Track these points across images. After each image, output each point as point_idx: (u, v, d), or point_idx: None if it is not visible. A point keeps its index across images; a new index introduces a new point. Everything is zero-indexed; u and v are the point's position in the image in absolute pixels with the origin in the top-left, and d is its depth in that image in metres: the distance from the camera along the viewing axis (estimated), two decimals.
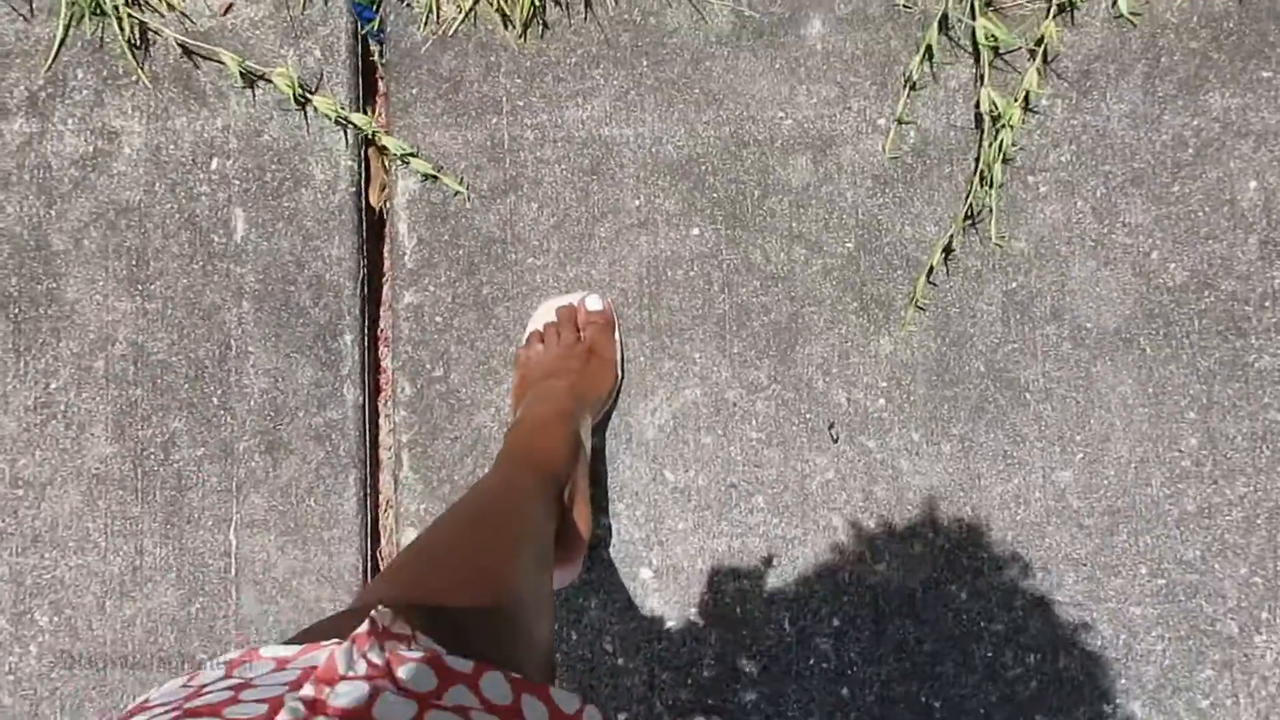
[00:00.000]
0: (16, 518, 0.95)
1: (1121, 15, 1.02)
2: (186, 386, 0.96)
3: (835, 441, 0.99)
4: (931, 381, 1.00)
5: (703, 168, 1.01)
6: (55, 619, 0.94)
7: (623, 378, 0.98)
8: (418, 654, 0.41)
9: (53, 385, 0.96)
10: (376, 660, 0.39)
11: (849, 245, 1.01)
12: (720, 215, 1.01)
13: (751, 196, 1.01)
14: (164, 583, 0.95)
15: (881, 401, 1.00)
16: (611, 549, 0.98)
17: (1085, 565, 0.99)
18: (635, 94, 1.01)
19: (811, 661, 0.97)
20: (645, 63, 1.01)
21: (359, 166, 1.00)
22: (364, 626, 0.40)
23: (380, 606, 0.42)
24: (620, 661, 0.97)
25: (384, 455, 1.02)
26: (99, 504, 0.95)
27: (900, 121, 1.01)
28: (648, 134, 1.01)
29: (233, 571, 0.95)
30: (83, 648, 0.94)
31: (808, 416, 1.00)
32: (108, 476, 0.95)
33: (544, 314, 0.98)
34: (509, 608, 0.55)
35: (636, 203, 1.01)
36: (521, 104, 1.01)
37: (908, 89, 1.02)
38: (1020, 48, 1.01)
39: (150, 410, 0.96)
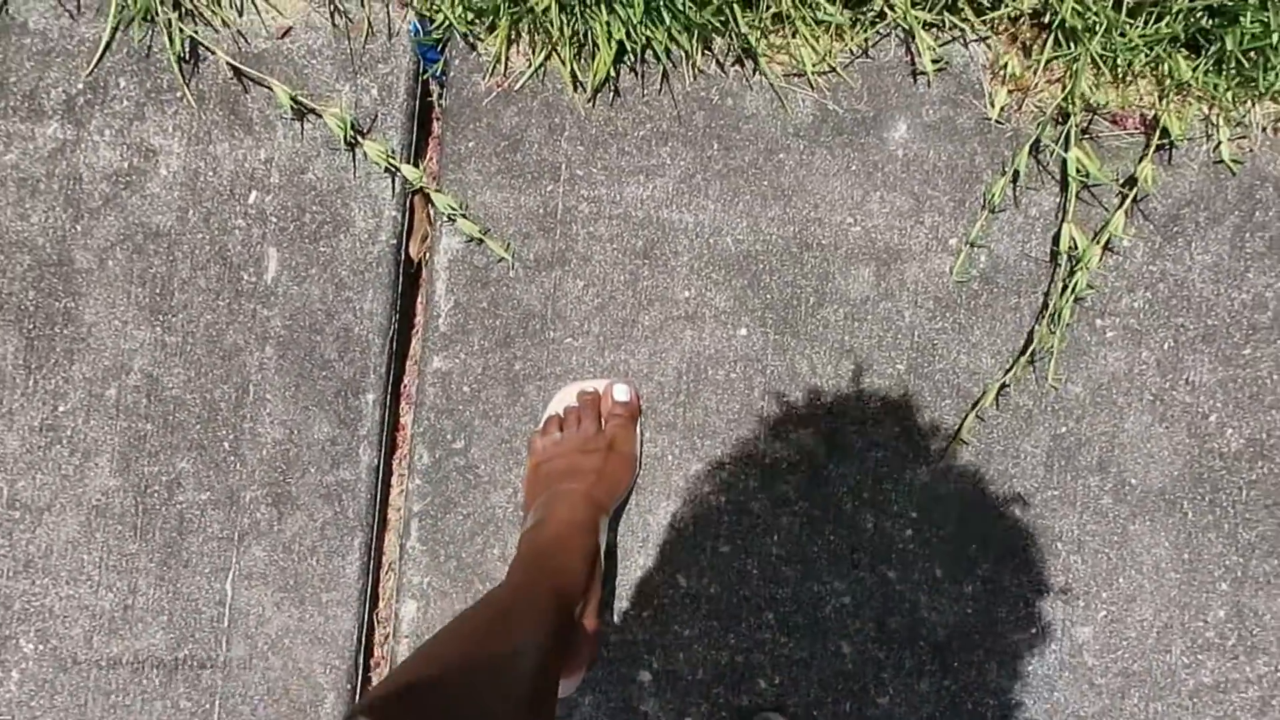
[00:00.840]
0: (10, 540, 0.93)
1: (1222, 161, 0.99)
2: (198, 427, 0.95)
3: (855, 567, 0.98)
4: (963, 518, 0.99)
5: (760, 266, 0.98)
6: (40, 647, 0.94)
7: (640, 469, 0.97)
8: None
9: (61, 408, 0.94)
10: None
11: (900, 367, 0.98)
12: (771, 318, 0.98)
13: (807, 303, 0.98)
14: (155, 624, 0.94)
15: (909, 532, 0.99)
16: (613, 647, 0.98)
17: None
18: (701, 178, 0.98)
19: None
20: (716, 146, 0.98)
21: (402, 217, 0.97)
22: None
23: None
24: None
25: (393, 517, 1.01)
26: (96, 536, 0.94)
27: (973, 244, 0.98)
28: (708, 222, 0.98)
29: (225, 622, 0.95)
30: (65, 679, 0.94)
31: (831, 539, 0.98)
32: (108, 509, 0.94)
33: (565, 398, 0.96)
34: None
35: (687, 294, 0.98)
36: (581, 173, 0.98)
37: (986, 211, 0.98)
38: (1112, 182, 0.98)
39: (159, 447, 0.94)
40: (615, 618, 0.98)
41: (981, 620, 0.99)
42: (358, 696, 0.97)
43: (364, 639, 0.97)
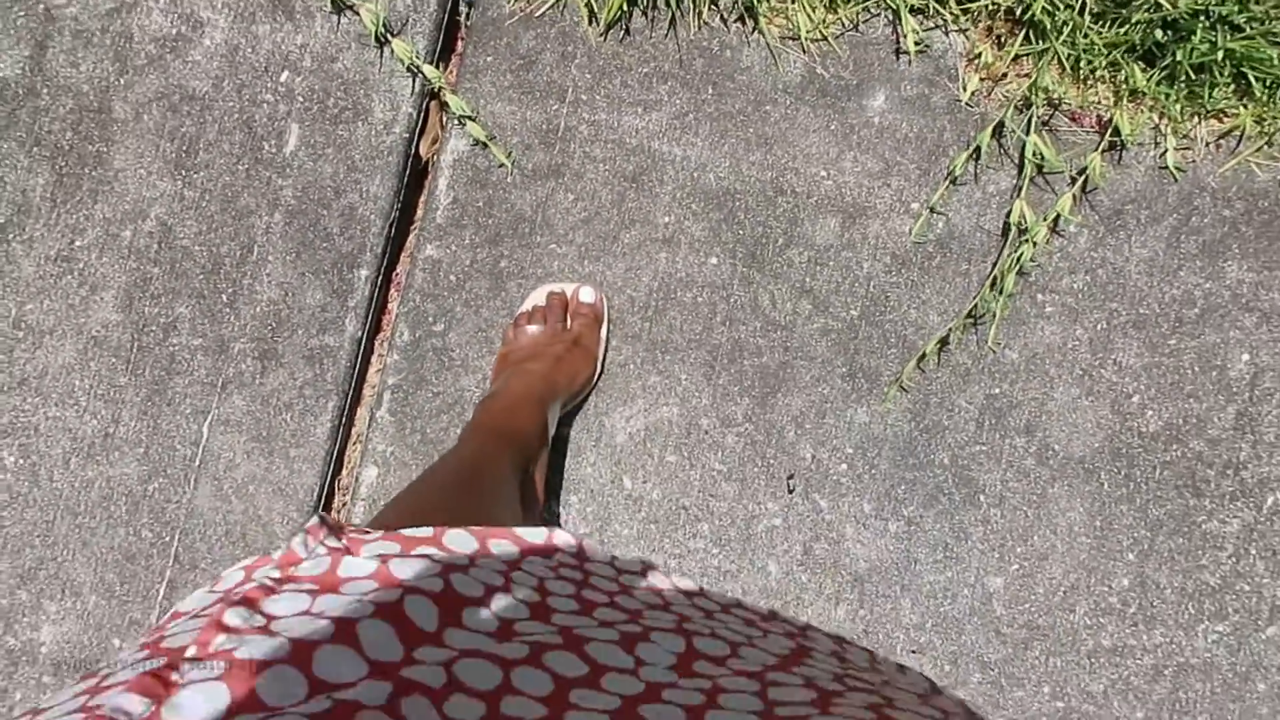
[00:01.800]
0: (10, 358, 1.02)
1: (1166, 167, 1.10)
2: (201, 277, 1.04)
3: (790, 492, 1.07)
4: (895, 460, 1.08)
5: (737, 203, 1.09)
6: (20, 462, 1.02)
7: (601, 373, 1.06)
8: (378, 534, 0.45)
9: (77, 242, 1.03)
10: (335, 545, 0.43)
11: (853, 312, 1.09)
12: (741, 252, 1.08)
13: (775, 243, 1.09)
14: (130, 456, 1.02)
15: (844, 467, 1.08)
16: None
17: (993, 670, 1.06)
18: (693, 118, 1.09)
19: None
20: (710, 91, 1.09)
21: (417, 115, 1.07)
22: (313, 520, 0.44)
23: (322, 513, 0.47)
24: None
25: (367, 392, 1.10)
26: (90, 365, 1.03)
27: (933, 210, 1.09)
28: (694, 158, 1.09)
29: (197, 462, 1.03)
30: (39, 494, 1.02)
31: (771, 462, 1.07)
32: (105, 341, 1.03)
33: (536, 297, 1.05)
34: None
35: (666, 219, 1.08)
36: (585, 98, 1.09)
37: (948, 181, 1.10)
38: (1062, 172, 1.09)
39: (162, 291, 1.03)
40: (560, 508, 1.06)
41: (901, 558, 1.07)
42: None
43: (323, 498, 1.05)
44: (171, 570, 1.02)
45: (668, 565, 1.06)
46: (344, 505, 1.09)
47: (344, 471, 1.08)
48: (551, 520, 1.06)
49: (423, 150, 1.11)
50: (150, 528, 1.02)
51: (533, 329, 1.02)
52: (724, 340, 1.08)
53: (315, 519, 0.45)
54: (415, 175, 1.11)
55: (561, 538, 0.49)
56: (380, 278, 1.07)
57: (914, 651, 1.07)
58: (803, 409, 1.08)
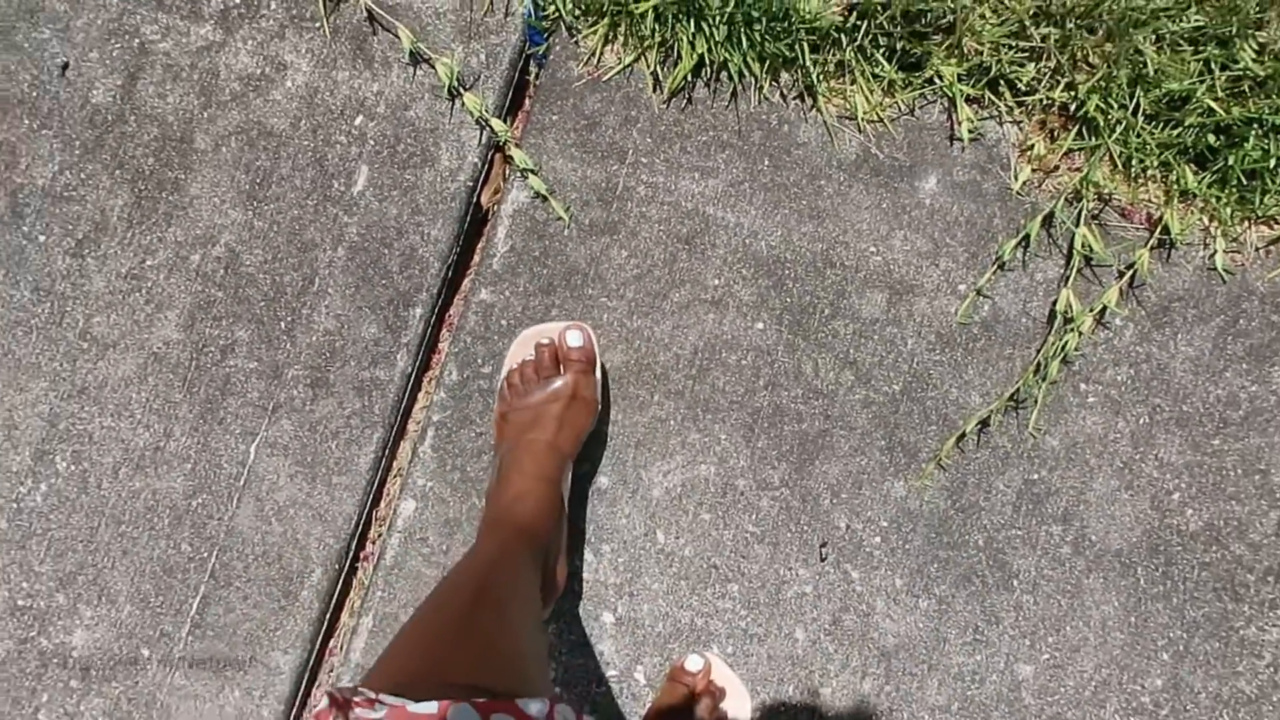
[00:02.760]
0: (73, 367, 1.08)
1: (1215, 268, 1.14)
2: (262, 304, 1.10)
3: (823, 560, 1.09)
4: (930, 537, 1.10)
5: (786, 272, 1.13)
6: (72, 468, 1.07)
7: (604, 406, 1.07)
8: (380, 713, 0.45)
9: (148, 262, 1.10)
10: None
11: (895, 387, 1.12)
12: (788, 320, 1.13)
13: (821, 312, 1.13)
14: (178, 470, 1.07)
15: (878, 539, 1.10)
16: (586, 584, 1.09)
17: None
18: (749, 187, 1.14)
19: (604, 688, 1.06)
20: (767, 163, 1.15)
21: (482, 165, 1.14)
22: (323, 703, 0.45)
23: (333, 684, 0.48)
24: (557, 690, 1.07)
25: (411, 427, 1.14)
26: (148, 380, 1.08)
27: (979, 293, 1.13)
28: (747, 225, 1.14)
29: (242, 481, 1.07)
30: (86, 500, 1.06)
31: (805, 529, 1.10)
32: (165, 358, 1.08)
33: (523, 348, 1.05)
34: (517, 690, 0.59)
35: (716, 282, 1.13)
36: (645, 161, 1.15)
37: (996, 266, 1.14)
38: (1110, 265, 1.13)
39: (224, 314, 1.09)
40: (592, 556, 1.09)
41: (931, 636, 1.09)
42: (342, 580, 1.09)
43: (360, 528, 1.09)
44: (206, 586, 1.05)
45: (694, 623, 1.08)
46: (379, 536, 1.13)
47: (382, 503, 1.12)
48: (578, 566, 1.09)
49: (484, 199, 1.17)
50: (190, 542, 1.06)
51: (524, 386, 1.02)
52: (765, 404, 1.11)
53: (324, 701, 0.47)
54: (475, 222, 1.17)
55: (563, 712, 0.50)
56: (434, 317, 1.13)
57: None
58: (840, 478, 1.10)
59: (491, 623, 0.69)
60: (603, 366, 1.07)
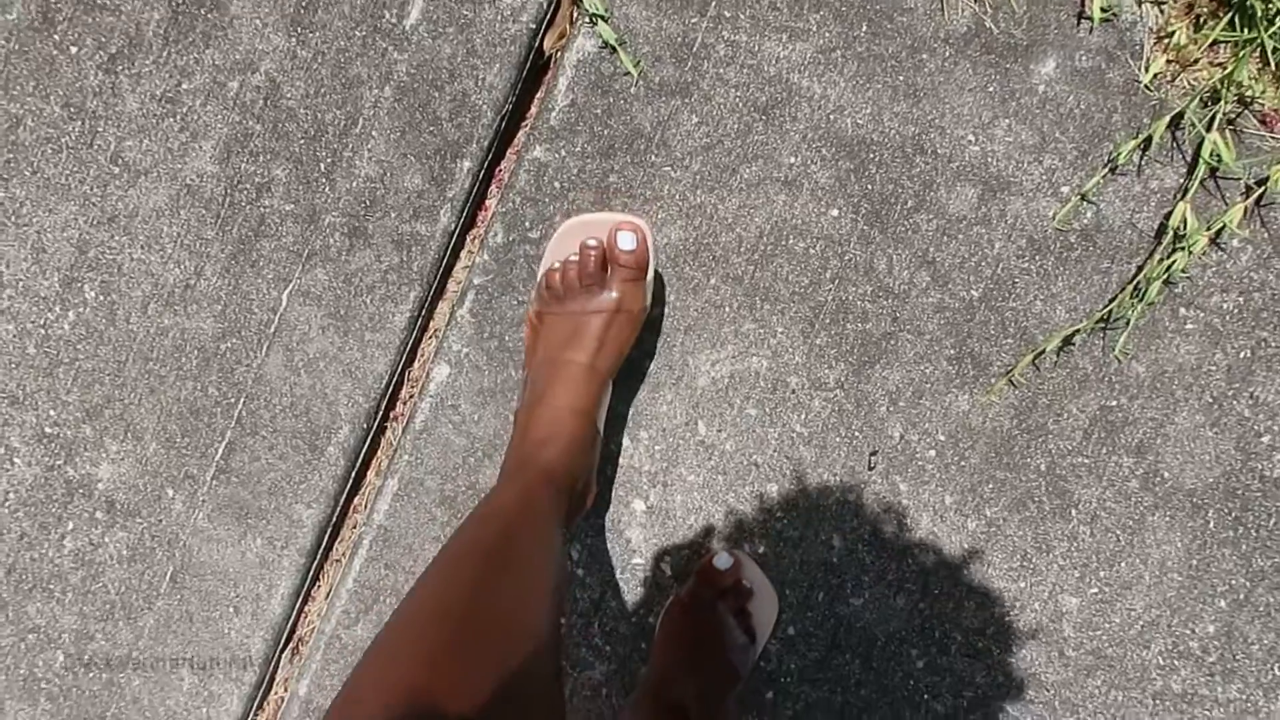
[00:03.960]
0: (104, 192, 1.04)
1: None
2: (302, 142, 1.04)
3: (871, 469, 1.05)
4: (988, 457, 1.05)
5: (870, 155, 1.04)
6: (100, 299, 1.05)
7: (658, 306, 0.99)
8: None
9: (184, 85, 1.04)
10: None
11: (974, 293, 1.04)
12: (865, 209, 1.04)
13: (904, 204, 1.04)
14: (208, 311, 1.05)
15: (932, 453, 1.05)
16: (620, 469, 1.06)
17: (1049, 690, 1.04)
18: (841, 55, 1.04)
19: (628, 575, 1.05)
20: (865, 29, 1.04)
21: (548, 7, 1.04)
22: None
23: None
24: (579, 573, 1.06)
25: (451, 287, 1.10)
26: (181, 213, 1.04)
27: (1083, 197, 1.04)
28: (834, 99, 1.04)
29: (272, 329, 1.05)
30: (114, 333, 1.05)
31: (856, 435, 1.05)
32: (199, 191, 1.04)
33: (565, 244, 0.94)
34: (534, 661, 0.56)
35: (792, 160, 1.05)
36: (728, 15, 1.05)
37: (1107, 169, 1.04)
38: (1239, 179, 1.02)
39: (261, 149, 1.04)
40: (629, 441, 1.06)
41: (974, 559, 1.05)
42: (370, 439, 1.07)
43: (391, 388, 1.06)
44: (232, 432, 1.05)
45: (727, 519, 1.05)
46: (410, 398, 1.10)
47: (416, 364, 1.09)
48: (614, 451, 1.06)
49: (547, 45, 1.08)
50: (217, 386, 1.04)
51: (565, 290, 0.92)
52: (829, 299, 1.05)
53: None
54: (535, 70, 1.09)
55: None
56: (483, 172, 1.06)
57: (968, 655, 1.05)
58: (900, 385, 1.05)
59: (512, 584, 0.63)
60: (657, 272, 0.99)
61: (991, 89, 1.04)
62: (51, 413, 1.05)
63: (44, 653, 1.05)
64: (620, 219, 0.91)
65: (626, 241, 0.90)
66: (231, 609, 1.06)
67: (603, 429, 0.94)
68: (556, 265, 0.95)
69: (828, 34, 1.05)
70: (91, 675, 1.06)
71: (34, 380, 1.05)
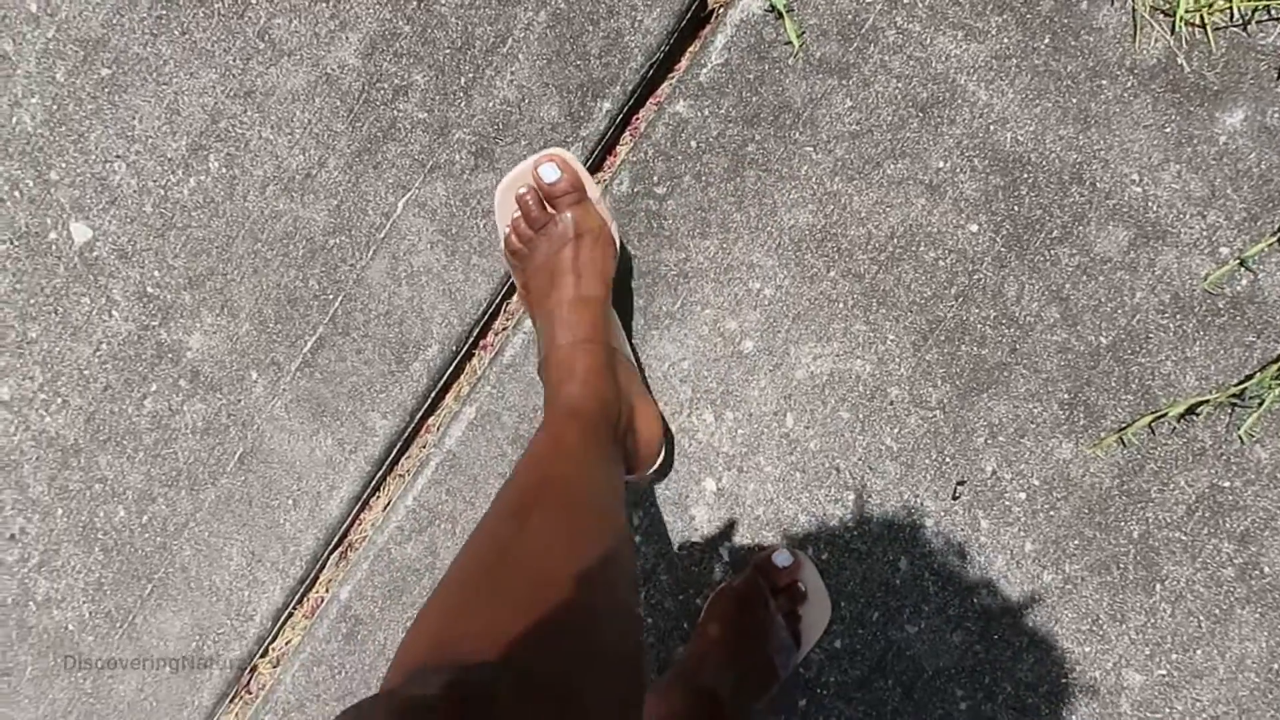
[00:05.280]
0: (245, 66, 1.05)
1: None
2: (448, 51, 1.04)
3: (954, 498, 1.03)
4: (1081, 512, 1.01)
5: (1024, 175, 1.01)
6: (223, 170, 1.06)
7: (617, 231, 0.97)
8: None
9: None
10: None
11: (1103, 339, 1.01)
12: (1007, 230, 1.01)
13: (1049, 233, 1.01)
14: (324, 203, 1.06)
15: (1022, 495, 1.02)
16: (699, 445, 1.05)
17: None
18: (1016, 64, 1.00)
19: (685, 553, 1.04)
20: (1047, 41, 1.00)
21: None
22: None
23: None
24: (637, 539, 1.06)
25: None
26: (315, 100, 1.05)
27: (1243, 263, 0.99)
28: (998, 109, 1.01)
29: (382, 234, 1.05)
30: (230, 208, 1.06)
31: (947, 460, 1.03)
32: (336, 82, 1.05)
33: (506, 208, 0.95)
34: (577, 623, 0.54)
35: (941, 165, 1.01)
36: (907, 1, 1.01)
37: (1275, 238, 0.98)
38: None
39: (406, 51, 1.04)
40: (713, 418, 1.05)
41: (1043, 611, 1.02)
42: (456, 363, 1.07)
43: (487, 316, 1.07)
44: (324, 328, 1.06)
45: (796, 518, 1.04)
46: (504, 330, 1.11)
47: (515, 297, 1.09)
48: (695, 426, 1.05)
49: None
50: (319, 280, 1.06)
51: (526, 247, 0.93)
52: (949, 315, 1.02)
53: None
54: (694, 22, 1.07)
55: None
56: (621, 116, 1.05)
57: (1015, 709, 1.03)
58: (1004, 419, 1.02)
59: (535, 543, 0.61)
60: (603, 198, 0.97)
61: (1169, 129, 0.99)
62: (156, 273, 1.08)
63: (106, 504, 1.09)
64: (536, 158, 0.91)
65: (549, 173, 0.90)
66: (291, 501, 1.08)
67: (629, 349, 0.92)
68: (506, 229, 0.95)
69: (1006, 39, 1.01)
70: (147, 536, 1.09)
71: (145, 239, 1.07)
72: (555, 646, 0.52)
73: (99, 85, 1.07)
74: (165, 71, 1.07)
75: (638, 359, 1.06)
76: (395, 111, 1.06)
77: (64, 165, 1.07)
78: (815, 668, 1.05)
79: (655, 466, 0.97)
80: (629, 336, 1.06)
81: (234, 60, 1.06)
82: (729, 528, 1.06)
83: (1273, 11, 0.98)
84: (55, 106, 1.07)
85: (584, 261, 0.91)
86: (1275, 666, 1.00)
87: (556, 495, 0.67)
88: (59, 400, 1.09)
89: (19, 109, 1.07)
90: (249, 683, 1.12)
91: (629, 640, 0.58)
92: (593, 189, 0.94)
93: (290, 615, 1.11)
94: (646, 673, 0.62)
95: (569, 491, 0.69)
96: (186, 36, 1.06)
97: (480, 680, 0.47)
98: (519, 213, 0.93)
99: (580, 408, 0.82)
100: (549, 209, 0.92)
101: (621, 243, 1.03)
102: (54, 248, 1.08)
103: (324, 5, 1.06)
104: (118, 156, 1.07)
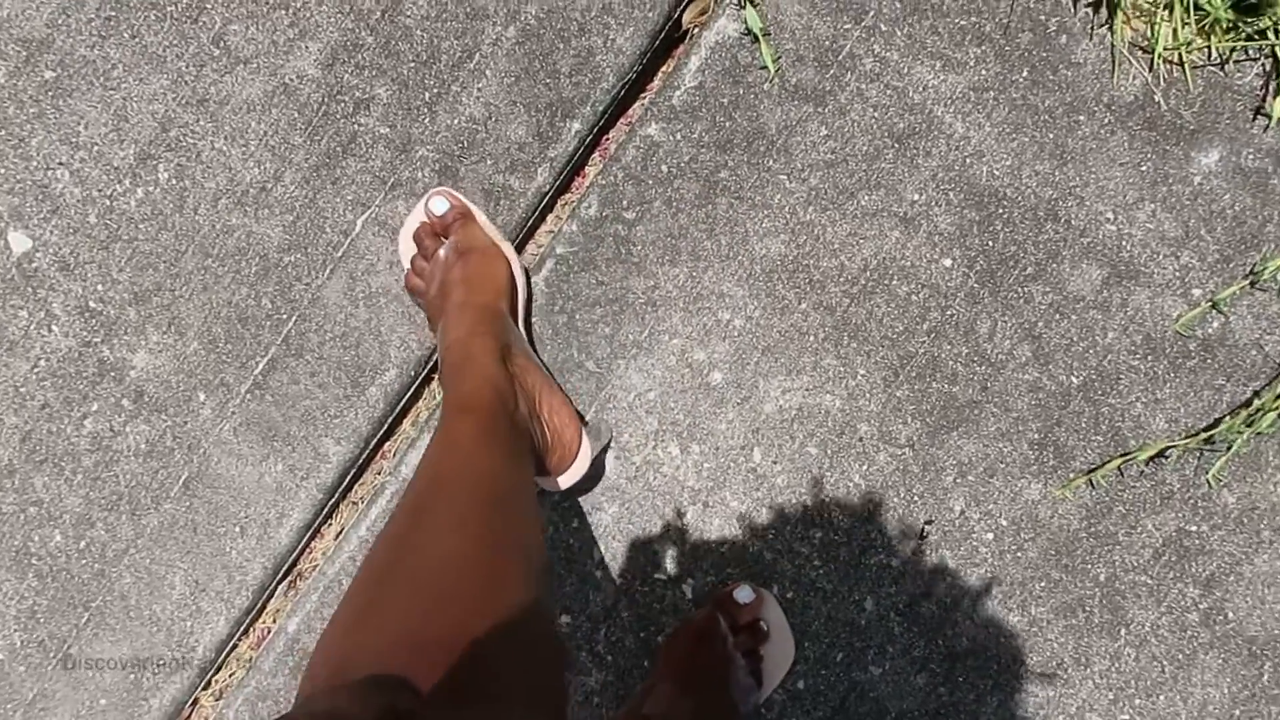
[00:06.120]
0: (199, 73, 1.02)
1: None
2: (412, 65, 1.01)
3: (921, 538, 1.02)
4: (1048, 553, 1.01)
5: (999, 210, 1.00)
6: (173, 182, 1.03)
7: (507, 244, 1.00)
8: None
9: None
10: None
11: (1074, 380, 1.00)
12: (980, 265, 1.00)
13: (1022, 270, 1.00)
14: (279, 219, 1.03)
15: (990, 536, 1.02)
16: (664, 479, 1.03)
17: None
18: (994, 97, 1.00)
19: (647, 589, 1.03)
20: (1026, 74, 0.99)
21: None
22: None
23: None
24: (597, 574, 1.04)
25: (530, 249, 1.07)
26: (272, 112, 1.02)
27: (1215, 305, 0.99)
28: (975, 142, 1.00)
29: (340, 252, 1.03)
30: (179, 221, 1.03)
31: (915, 499, 1.02)
32: (295, 94, 1.02)
33: (406, 248, 1.02)
34: (468, 622, 0.54)
35: (915, 197, 1.01)
36: (885, 29, 1.00)
37: (1247, 280, 0.99)
38: None
39: (368, 63, 1.01)
40: (679, 451, 1.03)
41: (1007, 653, 1.02)
42: (414, 389, 1.05)
43: None
44: (277, 349, 1.03)
45: (763, 557, 1.03)
46: None
47: None
48: (656, 464, 1.03)
49: (686, 18, 1.04)
50: (272, 299, 1.03)
51: (419, 273, 0.99)
52: (921, 352, 1.01)
53: None
54: (668, 43, 1.05)
55: None
56: (590, 137, 1.03)
57: None
58: (973, 459, 1.01)
59: (424, 546, 0.61)
60: (490, 221, 1.01)
61: (1145, 168, 0.99)
62: (99, 287, 1.04)
63: (42, 528, 1.05)
64: (425, 196, 1.00)
65: (438, 205, 0.99)
66: (238, 528, 1.05)
67: (530, 350, 0.95)
68: (409, 267, 1.01)
69: (985, 71, 1.00)
70: (84, 563, 1.06)
71: (88, 250, 1.04)
72: (446, 652, 0.52)
73: (42, 88, 1.03)
74: (113, 76, 1.03)
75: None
76: (356, 125, 1.03)
77: (3, 171, 1.03)
78: (777, 709, 1.03)
79: (576, 463, 0.93)
80: (593, 364, 1.04)
81: (187, 66, 1.03)
82: (693, 563, 1.04)
83: (1250, 52, 0.99)
84: None
85: (472, 274, 0.94)
86: (1237, 713, 1.01)
87: (447, 493, 0.67)
88: None
89: None
90: (190, 716, 1.08)
91: (532, 629, 0.58)
92: (482, 216, 1.00)
93: (235, 647, 1.08)
94: (561, 662, 0.62)
95: (460, 488, 0.68)
96: (137, 40, 1.03)
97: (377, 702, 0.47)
98: (416, 248, 1.00)
99: (471, 402, 0.79)
100: (440, 240, 0.99)
101: (527, 272, 1.02)
102: None
103: (283, 12, 1.03)
104: (61, 164, 1.03)
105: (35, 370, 1.05)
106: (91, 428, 1.05)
